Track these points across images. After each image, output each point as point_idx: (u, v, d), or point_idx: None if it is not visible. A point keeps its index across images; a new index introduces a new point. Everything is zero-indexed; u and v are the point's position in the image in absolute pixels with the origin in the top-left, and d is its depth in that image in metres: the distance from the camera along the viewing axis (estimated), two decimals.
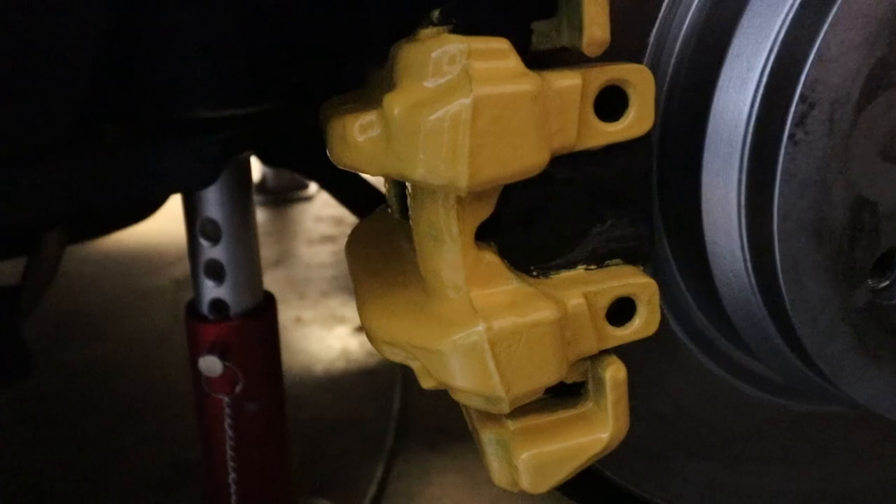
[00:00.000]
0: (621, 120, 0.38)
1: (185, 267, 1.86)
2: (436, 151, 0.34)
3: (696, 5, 0.41)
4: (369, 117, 0.37)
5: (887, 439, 0.52)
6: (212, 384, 0.81)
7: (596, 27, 0.35)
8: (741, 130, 0.38)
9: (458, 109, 0.34)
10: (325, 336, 1.55)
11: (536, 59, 0.37)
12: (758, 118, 0.38)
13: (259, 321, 0.83)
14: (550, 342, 0.39)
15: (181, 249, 1.85)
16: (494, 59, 0.35)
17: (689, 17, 0.41)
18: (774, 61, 0.37)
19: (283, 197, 2.21)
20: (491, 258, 0.40)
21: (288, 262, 1.87)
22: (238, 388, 0.82)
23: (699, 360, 0.50)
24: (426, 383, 0.41)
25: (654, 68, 0.41)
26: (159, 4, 0.68)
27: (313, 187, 2.24)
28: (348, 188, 0.95)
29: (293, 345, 1.53)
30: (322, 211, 2.19)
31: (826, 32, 0.35)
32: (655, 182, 0.43)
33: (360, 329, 1.55)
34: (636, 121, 0.38)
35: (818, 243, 0.38)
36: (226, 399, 0.82)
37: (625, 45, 0.39)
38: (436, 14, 0.37)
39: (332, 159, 0.39)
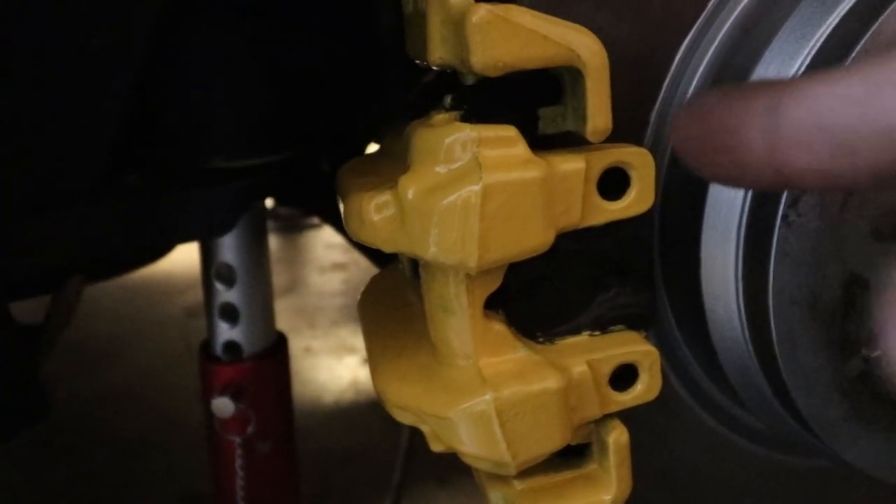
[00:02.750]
0: (623, 199, 0.40)
1: (196, 295, 1.88)
2: (447, 233, 0.36)
3: (695, 87, 0.44)
4: (384, 198, 0.39)
5: (881, 497, 0.53)
6: (224, 425, 0.83)
7: (599, 117, 0.37)
8: (737, 209, 0.40)
9: (469, 195, 0.36)
10: (335, 366, 1.56)
11: (542, 140, 0.40)
12: (753, 197, 0.40)
13: (271, 362, 0.85)
14: (556, 410, 0.40)
15: (191, 277, 1.88)
16: (503, 146, 0.37)
17: (690, 94, 0.43)
18: None
19: (293, 223, 2.24)
20: (499, 328, 0.42)
21: (298, 290, 1.89)
22: (250, 429, 0.84)
23: (700, 417, 0.51)
24: (436, 447, 0.43)
25: (656, 144, 0.43)
26: (183, 60, 0.70)
27: None
28: None
29: (302, 374, 1.55)
30: (333, 238, 2.21)
31: None
32: (657, 251, 0.44)
33: None
34: (637, 200, 0.40)
35: (812, 317, 0.39)
36: (237, 440, 0.84)
37: (627, 122, 0.41)
38: (448, 100, 0.39)
39: (348, 232, 0.41)
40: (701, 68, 0.44)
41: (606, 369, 0.43)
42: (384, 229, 0.38)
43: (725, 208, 0.41)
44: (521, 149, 0.37)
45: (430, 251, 0.37)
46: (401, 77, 0.79)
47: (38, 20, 0.55)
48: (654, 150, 0.42)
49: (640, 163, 0.40)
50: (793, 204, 0.38)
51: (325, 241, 2.20)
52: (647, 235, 0.43)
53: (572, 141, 0.40)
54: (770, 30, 0.41)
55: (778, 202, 0.38)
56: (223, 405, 0.82)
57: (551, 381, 0.40)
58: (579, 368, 0.42)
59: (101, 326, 1.70)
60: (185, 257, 1.12)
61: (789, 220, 0.38)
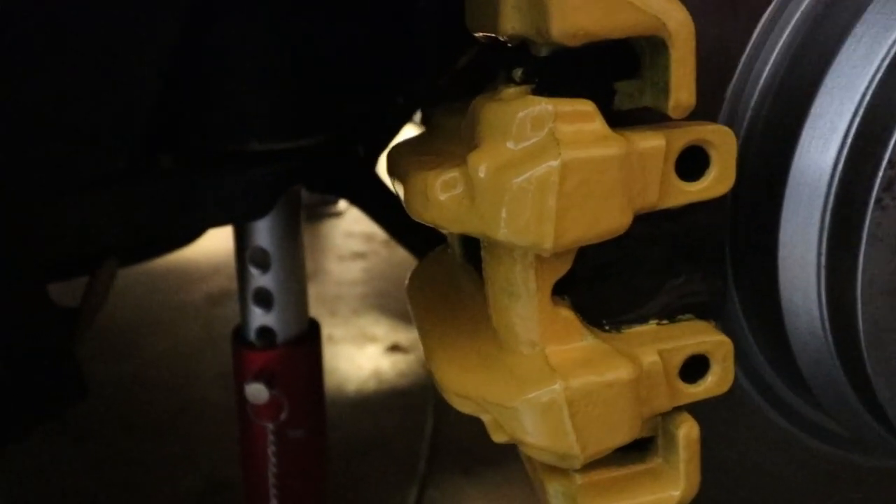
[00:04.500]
0: (702, 180, 0.38)
1: (218, 282, 1.88)
2: (521, 213, 0.34)
3: (774, 61, 0.41)
4: (452, 174, 0.37)
5: None
6: (257, 411, 0.81)
7: (683, 91, 0.35)
8: (823, 191, 0.38)
9: (546, 172, 0.34)
10: (357, 355, 1.55)
11: (617, 118, 0.37)
12: (841, 180, 0.37)
13: (305, 349, 0.84)
14: (627, 401, 0.38)
15: (213, 264, 1.87)
16: (580, 121, 0.35)
17: (766, 74, 0.41)
18: (860, 123, 0.37)
19: (313, 212, 2.22)
20: (567, 314, 0.40)
21: (319, 278, 1.88)
22: (283, 416, 0.82)
23: (765, 412, 0.49)
24: (498, 437, 0.41)
25: (731, 122, 0.41)
26: (218, 43, 0.69)
27: (344, 203, 2.25)
28: (397, 219, 0.96)
29: (325, 364, 1.54)
30: (353, 227, 2.20)
31: None
32: (728, 237, 0.42)
33: (392, 349, 1.55)
34: (716, 181, 0.38)
35: None
36: (270, 426, 0.82)
37: (701, 100, 0.39)
38: (518, 73, 0.37)
39: (410, 214, 0.39)
40: (780, 43, 0.41)
41: (677, 360, 0.40)
42: (451, 209, 0.36)
43: (809, 191, 0.38)
44: (598, 124, 0.35)
45: (502, 231, 0.35)
46: (438, 59, 0.77)
47: (74, 4, 0.54)
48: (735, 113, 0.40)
49: (721, 141, 0.37)
50: (888, 187, 0.36)
51: (344, 229, 2.18)
52: (720, 219, 0.41)
53: (647, 118, 0.38)
54: (860, 1, 0.38)
55: (872, 184, 0.36)
56: (257, 391, 0.80)
57: (623, 371, 0.38)
58: (651, 358, 0.40)
59: (123, 312, 1.70)
60: (207, 244, 1.12)
61: (883, 204, 0.36)
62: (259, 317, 0.82)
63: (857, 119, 0.37)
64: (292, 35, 0.71)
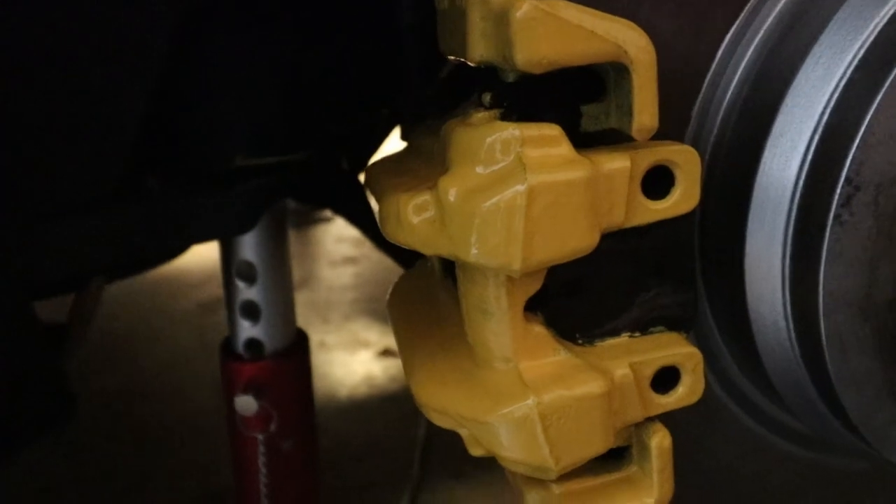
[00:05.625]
0: (667, 198, 0.39)
1: (211, 290, 1.88)
2: (490, 236, 0.35)
3: (737, 80, 0.42)
4: (424, 198, 0.38)
5: None
6: (246, 423, 0.82)
7: (646, 115, 0.36)
8: (785, 207, 0.39)
9: (513, 196, 0.35)
10: (349, 361, 1.56)
11: (584, 139, 0.39)
12: (802, 197, 0.39)
13: (293, 359, 0.85)
14: (599, 414, 0.39)
15: (205, 272, 1.87)
16: (546, 145, 0.36)
17: (730, 93, 0.42)
18: (819, 142, 0.38)
19: (303, 218, 2.23)
20: (539, 330, 0.41)
21: (310, 284, 1.88)
22: (272, 427, 0.83)
23: (738, 417, 0.50)
24: (475, 451, 0.42)
25: (696, 141, 0.42)
26: (201, 61, 0.70)
27: None
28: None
29: (317, 370, 1.54)
30: (343, 231, 2.20)
31: (871, 117, 0.36)
32: (697, 250, 0.43)
33: (384, 353, 1.56)
34: (682, 199, 0.39)
35: (863, 319, 0.38)
36: (260, 437, 0.83)
37: (667, 118, 0.40)
38: (487, 97, 0.38)
39: (384, 234, 0.40)
40: (743, 63, 0.42)
41: (648, 371, 0.42)
42: (423, 232, 0.37)
43: (772, 207, 0.40)
44: (564, 148, 0.36)
45: (472, 254, 0.36)
46: (423, 74, 0.78)
47: (58, 27, 0.55)
48: (695, 147, 0.41)
49: (685, 161, 0.39)
50: (846, 203, 0.37)
51: (335, 234, 2.19)
52: (688, 234, 0.42)
53: (613, 138, 0.39)
54: (819, 23, 0.39)
55: (830, 201, 0.37)
56: (246, 403, 0.81)
57: (594, 385, 0.39)
58: (622, 371, 0.41)
59: (115, 323, 1.70)
60: (198, 253, 1.12)
61: (842, 220, 0.37)
62: (247, 329, 0.82)
63: (816, 137, 0.38)
64: (275, 54, 0.72)
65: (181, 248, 0.80)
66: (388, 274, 1.92)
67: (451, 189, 0.36)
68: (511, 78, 0.37)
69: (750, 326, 0.43)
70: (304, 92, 0.75)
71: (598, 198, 0.37)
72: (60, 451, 1.24)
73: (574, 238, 0.36)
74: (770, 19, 0.42)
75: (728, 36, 0.42)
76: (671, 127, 0.41)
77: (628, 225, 0.39)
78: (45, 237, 0.63)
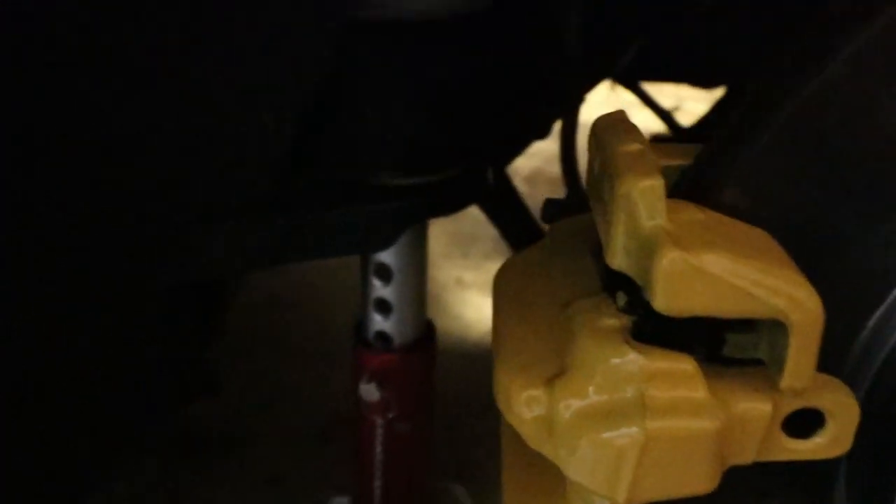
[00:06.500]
0: (811, 440, 0.35)
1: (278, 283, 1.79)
2: (597, 468, 0.33)
3: None
4: (537, 393, 0.36)
5: None
6: (368, 407, 0.87)
7: (798, 378, 0.31)
8: None
9: (627, 440, 0.32)
10: (483, 304, 1.57)
11: (725, 362, 0.35)
12: None
13: (418, 353, 0.88)
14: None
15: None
16: (675, 384, 0.33)
17: None
18: None
19: None
20: None
21: (458, 214, 1.89)
22: (391, 414, 0.88)
23: None
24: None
25: (856, 374, 0.37)
26: (353, 78, 0.69)
27: None
28: (519, 233, 0.94)
29: (451, 309, 1.58)
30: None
31: None
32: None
33: None
34: (829, 445, 0.35)
35: None
36: (379, 421, 0.89)
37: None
38: (622, 300, 0.35)
39: (497, 402, 0.39)
40: None
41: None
42: (531, 428, 0.36)
43: None
44: (696, 388, 0.33)
45: (573, 471, 0.34)
46: (581, 79, 0.73)
47: (231, 36, 0.56)
48: (855, 382, 0.36)
49: (839, 408, 0.34)
50: None
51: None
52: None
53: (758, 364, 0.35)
54: None
55: None
56: (369, 391, 0.86)
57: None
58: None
59: None
60: None
61: None
62: (378, 322, 0.86)
63: None
64: (425, 73, 0.70)
65: (324, 256, 0.83)
66: (535, 214, 1.89)
67: (566, 402, 0.34)
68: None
69: None
70: (454, 113, 0.73)
71: (728, 440, 0.33)
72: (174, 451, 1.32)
73: (691, 483, 0.33)
74: None
75: None
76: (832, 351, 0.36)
77: (759, 460, 0.35)
78: (198, 240, 0.68)
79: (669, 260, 0.29)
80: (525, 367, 0.38)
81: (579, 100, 0.80)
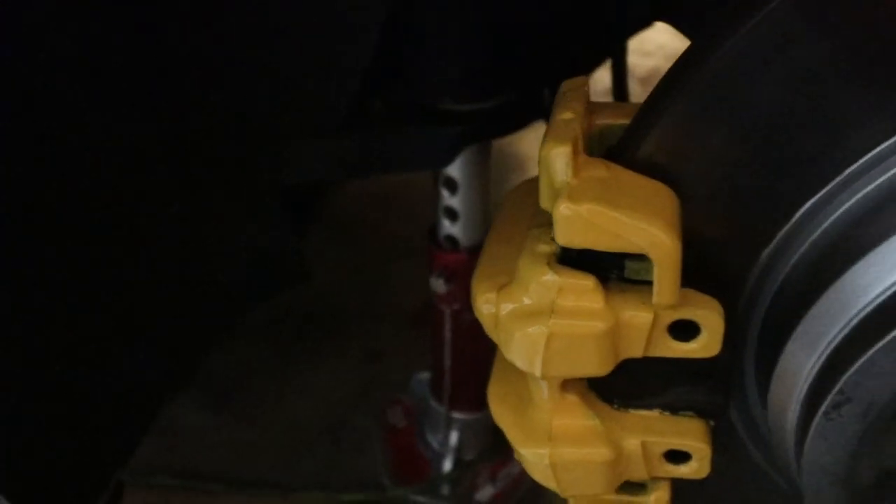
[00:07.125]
0: (691, 343, 0.46)
1: None
2: (521, 351, 0.47)
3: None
4: (491, 296, 0.49)
5: None
6: (438, 299, 1.04)
7: (664, 296, 0.42)
8: (799, 387, 0.44)
9: (538, 333, 0.45)
10: None
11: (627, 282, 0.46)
12: (810, 388, 0.43)
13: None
14: (603, 471, 0.51)
15: None
16: (579, 296, 0.45)
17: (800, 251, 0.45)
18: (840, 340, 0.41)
19: None
20: (573, 399, 0.52)
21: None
22: (457, 305, 1.03)
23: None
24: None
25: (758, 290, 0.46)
26: (420, 9, 0.79)
27: None
28: None
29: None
30: None
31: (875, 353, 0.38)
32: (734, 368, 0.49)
33: None
34: (703, 347, 0.45)
35: (844, 489, 0.43)
36: (447, 310, 1.05)
37: (731, 264, 0.45)
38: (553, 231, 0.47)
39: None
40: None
41: (659, 450, 0.51)
42: (487, 320, 0.49)
43: (790, 379, 0.44)
44: (594, 299, 0.44)
45: (510, 355, 0.48)
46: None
47: None
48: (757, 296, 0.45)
49: (708, 321, 0.44)
50: (836, 406, 0.41)
51: None
52: (728, 360, 0.48)
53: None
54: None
55: (824, 397, 0.41)
56: (438, 285, 1.02)
57: (602, 454, 0.51)
58: (634, 443, 0.51)
59: None
60: None
61: (830, 417, 0.41)
62: (447, 227, 1.00)
63: (840, 336, 0.41)
64: (484, 5, 0.79)
65: (392, 172, 0.96)
66: None
67: (505, 304, 0.47)
68: None
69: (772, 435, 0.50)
70: (510, 40, 0.82)
71: (617, 337, 0.45)
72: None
73: (589, 366, 0.46)
74: None
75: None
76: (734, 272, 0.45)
77: (647, 355, 0.47)
78: (290, 153, 0.83)
79: (561, 209, 0.41)
80: (489, 276, 0.51)
81: (631, 32, 0.86)
